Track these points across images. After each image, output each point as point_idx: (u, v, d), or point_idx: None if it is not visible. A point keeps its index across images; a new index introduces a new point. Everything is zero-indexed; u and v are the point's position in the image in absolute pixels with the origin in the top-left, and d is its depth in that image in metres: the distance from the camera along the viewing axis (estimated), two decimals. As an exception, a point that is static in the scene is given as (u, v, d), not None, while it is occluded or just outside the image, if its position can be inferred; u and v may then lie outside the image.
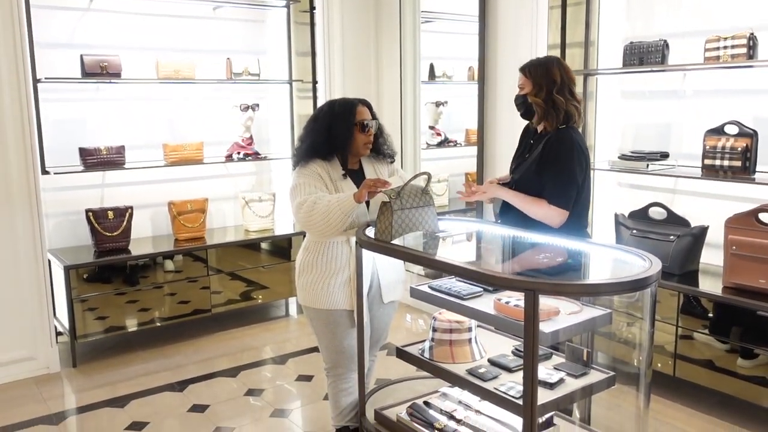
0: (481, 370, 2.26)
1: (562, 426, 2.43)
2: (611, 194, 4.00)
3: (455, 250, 2.79)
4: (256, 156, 4.81)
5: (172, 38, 4.59)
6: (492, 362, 2.35)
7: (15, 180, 3.75)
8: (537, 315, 1.88)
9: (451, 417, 2.43)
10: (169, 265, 4.32)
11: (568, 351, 2.37)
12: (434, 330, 2.45)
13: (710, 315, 3.21)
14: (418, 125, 5.13)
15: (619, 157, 3.75)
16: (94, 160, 4.16)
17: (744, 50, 3.17)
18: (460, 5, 4.98)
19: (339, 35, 4.95)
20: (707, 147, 3.34)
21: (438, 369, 2.37)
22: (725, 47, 3.23)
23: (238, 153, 4.74)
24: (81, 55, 4.11)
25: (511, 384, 2.14)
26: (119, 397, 3.59)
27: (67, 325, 3.97)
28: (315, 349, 3.97)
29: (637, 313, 2.37)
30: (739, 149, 3.22)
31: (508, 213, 2.78)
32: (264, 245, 4.74)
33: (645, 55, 3.57)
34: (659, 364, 3.35)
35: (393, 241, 2.37)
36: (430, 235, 2.55)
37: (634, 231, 3.52)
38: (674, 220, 3.45)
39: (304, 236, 2.78)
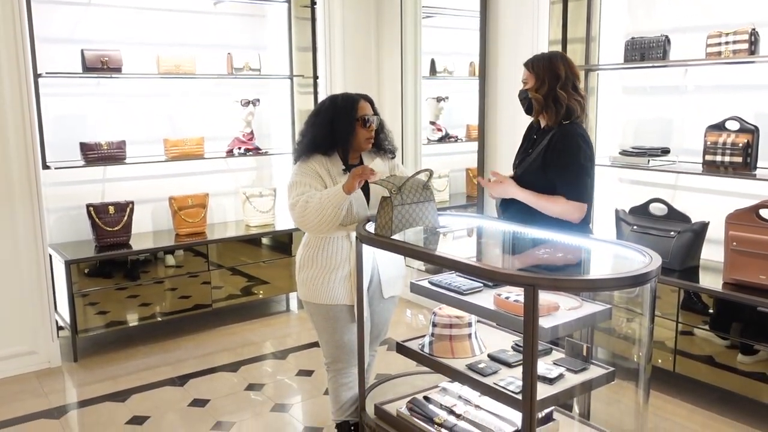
0: (481, 366, 2.26)
1: (562, 421, 2.43)
2: (612, 190, 4.00)
3: (455, 245, 2.78)
4: (256, 151, 4.81)
5: (173, 33, 4.59)
6: (492, 357, 2.35)
7: (16, 175, 3.75)
8: (537, 310, 1.88)
9: (451, 412, 2.44)
10: (170, 260, 4.32)
11: (568, 346, 2.37)
12: (434, 325, 2.45)
13: (710, 311, 3.21)
14: (419, 121, 5.13)
15: (619, 153, 3.75)
16: (95, 155, 4.16)
17: (746, 46, 3.16)
18: (461, 0, 4.97)
19: (340, 30, 4.94)
20: (708, 143, 3.34)
21: (438, 364, 2.37)
22: (727, 43, 3.22)
23: (239, 148, 4.74)
24: (82, 50, 4.11)
25: (511, 379, 2.15)
26: (120, 392, 3.60)
27: (68, 319, 3.98)
28: (315, 344, 3.98)
29: (637, 308, 2.37)
30: (740, 145, 3.21)
31: (509, 208, 2.77)
32: (265, 240, 4.75)
33: (646, 51, 3.56)
34: (659, 360, 3.35)
35: (393, 237, 2.37)
36: (430, 231, 2.55)
37: (635, 227, 3.52)
38: (675, 216, 3.45)
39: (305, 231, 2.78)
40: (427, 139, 5.37)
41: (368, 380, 2.88)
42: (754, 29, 3.16)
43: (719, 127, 3.32)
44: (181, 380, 3.75)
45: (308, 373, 3.83)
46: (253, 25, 4.98)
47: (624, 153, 3.72)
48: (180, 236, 4.48)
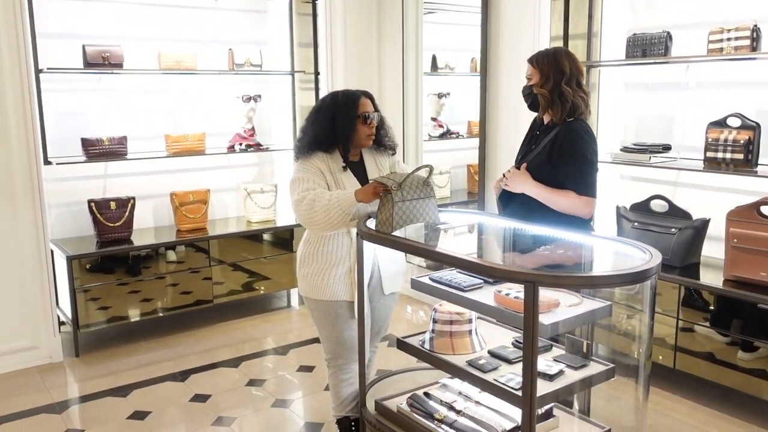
0: (481, 362, 2.27)
1: (562, 417, 2.44)
2: (613, 186, 4.00)
3: (456, 241, 2.78)
4: (258, 147, 4.81)
5: (174, 29, 4.59)
6: (492, 354, 2.35)
7: (17, 170, 3.76)
8: (537, 307, 1.88)
9: (451, 408, 2.44)
10: (171, 255, 4.33)
11: (568, 343, 2.37)
12: (435, 321, 2.45)
13: (711, 307, 3.22)
14: (421, 117, 5.12)
15: (621, 150, 3.74)
16: (96, 150, 4.16)
17: (747, 42, 3.16)
18: (462, -4, 4.97)
19: (341, 26, 4.94)
20: (709, 139, 3.33)
21: (438, 360, 2.38)
22: (728, 39, 3.22)
23: (240, 144, 4.74)
24: (83, 46, 4.11)
25: (511, 375, 2.15)
26: (121, 387, 3.61)
27: (69, 314, 3.99)
28: (316, 340, 3.98)
29: (637, 305, 2.38)
30: (742, 142, 3.21)
31: (510, 204, 2.77)
32: (266, 236, 4.75)
33: (648, 47, 3.56)
34: (660, 357, 3.36)
35: (394, 233, 2.37)
36: (431, 227, 2.55)
37: (636, 223, 3.52)
38: (676, 212, 3.45)
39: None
40: (429, 135, 5.37)
41: (369, 376, 2.88)
42: (755, 26, 3.16)
43: (720, 123, 3.32)
44: (183, 375, 3.76)
45: (309, 368, 3.84)
46: (255, 20, 4.98)
47: (625, 149, 3.71)
48: (181, 232, 4.48)
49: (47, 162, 3.97)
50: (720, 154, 3.29)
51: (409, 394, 2.60)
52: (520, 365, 2.02)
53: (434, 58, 5.31)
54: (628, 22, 3.89)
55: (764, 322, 2.99)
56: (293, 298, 5.02)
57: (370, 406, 2.65)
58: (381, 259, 2.71)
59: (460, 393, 2.53)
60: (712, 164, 3.33)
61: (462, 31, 5.34)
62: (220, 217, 4.92)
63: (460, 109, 5.51)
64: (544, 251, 2.43)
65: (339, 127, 2.62)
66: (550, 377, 2.16)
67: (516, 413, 2.19)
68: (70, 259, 3.92)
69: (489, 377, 2.18)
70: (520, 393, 2.00)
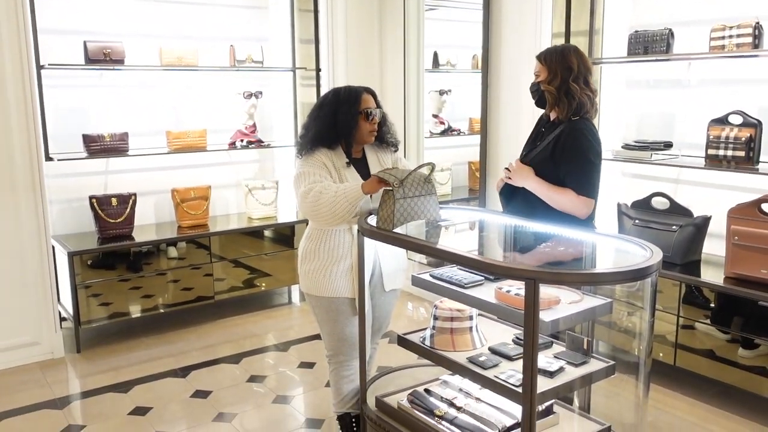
0: (482, 359, 2.27)
1: (562, 414, 2.44)
2: (614, 183, 3.99)
3: (457, 238, 2.78)
4: (259, 143, 4.81)
5: (176, 25, 4.58)
6: (492, 350, 2.35)
7: (19, 166, 3.76)
8: (537, 304, 1.88)
9: (452, 404, 2.45)
10: (173, 252, 4.33)
11: (569, 340, 2.38)
12: (435, 318, 2.46)
13: (712, 305, 3.22)
14: (422, 114, 5.12)
15: (622, 147, 3.74)
16: (98, 146, 4.17)
17: (749, 39, 3.15)
18: (464, -7, 4.96)
19: (342, 22, 4.93)
20: (711, 137, 3.33)
21: (439, 357, 2.38)
22: (730, 36, 3.21)
23: (241, 140, 4.74)
24: (84, 42, 4.11)
25: (512, 372, 2.15)
26: (123, 383, 3.62)
27: (71, 310, 4.00)
28: (317, 337, 3.99)
29: (638, 302, 2.38)
30: (743, 139, 3.20)
31: (512, 200, 2.77)
32: (267, 233, 4.75)
33: (650, 44, 3.55)
34: (660, 354, 3.36)
35: (395, 230, 2.38)
36: (432, 224, 2.55)
37: (637, 221, 3.52)
38: (677, 210, 3.45)
39: (307, 224, 2.79)
40: (430, 132, 5.36)
41: (369, 373, 2.89)
42: (758, 23, 3.15)
43: (722, 121, 3.31)
44: (184, 372, 3.76)
45: (310, 365, 3.85)
46: (256, 16, 4.97)
47: (627, 147, 3.71)
48: (182, 228, 4.49)
49: (48, 158, 3.97)
50: (721, 152, 3.28)
51: (409, 391, 2.60)
52: (520, 362, 2.02)
53: (436, 55, 5.30)
54: (630, 19, 3.88)
55: (765, 320, 2.99)
56: (294, 295, 5.02)
57: (371, 402, 2.66)
58: (382, 255, 2.71)
59: (460, 390, 2.53)
60: (714, 161, 3.33)
61: (463, 27, 5.33)
62: (221, 214, 4.92)
63: (462, 106, 5.50)
64: (545, 248, 2.43)
65: (341, 123, 2.62)
66: (551, 374, 2.16)
67: (516, 410, 2.20)
68: (71, 255, 3.92)
69: (489, 374, 2.18)
70: (520, 390, 2.00)
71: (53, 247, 4.02)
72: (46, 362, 3.91)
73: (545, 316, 2.01)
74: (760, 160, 3.24)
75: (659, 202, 3.53)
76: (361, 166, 2.72)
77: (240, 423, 3.19)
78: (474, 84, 4.57)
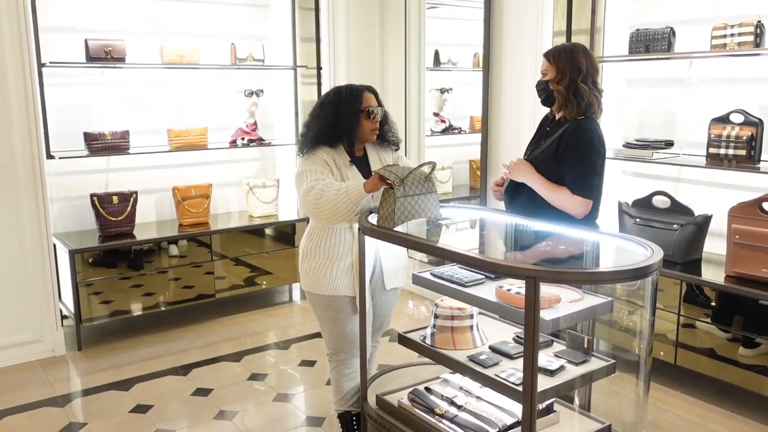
0: (482, 357, 2.27)
1: (562, 413, 2.44)
2: (615, 182, 3.99)
3: (458, 237, 2.79)
4: (260, 142, 4.81)
5: (177, 23, 4.58)
6: (493, 349, 2.36)
7: (20, 164, 3.76)
8: (538, 302, 1.88)
9: (452, 403, 2.45)
10: (174, 250, 4.34)
11: (569, 338, 2.38)
12: (436, 317, 2.46)
13: (712, 304, 3.22)
14: (423, 112, 5.12)
15: (623, 145, 3.74)
16: (99, 144, 4.17)
17: (751, 38, 3.15)
18: (465, -9, 4.96)
19: (344, 21, 4.93)
20: (712, 135, 3.33)
21: (439, 355, 2.38)
22: (732, 35, 3.21)
23: (242, 139, 4.75)
24: (85, 40, 4.11)
25: (512, 371, 2.15)
26: (124, 380, 3.63)
27: (72, 308, 4.00)
28: (318, 335, 3.99)
29: (638, 301, 2.38)
30: (744, 138, 3.20)
31: (515, 199, 2.76)
32: (268, 231, 4.76)
33: (651, 43, 3.55)
34: (661, 352, 3.36)
35: (396, 228, 2.38)
36: (432, 222, 2.55)
37: (638, 219, 3.52)
38: (678, 208, 3.45)
39: (308, 222, 2.79)
40: (431, 130, 5.36)
41: (370, 371, 2.89)
42: (759, 21, 3.15)
43: (723, 119, 3.31)
44: (185, 369, 3.77)
45: (311, 363, 3.85)
46: (257, 15, 4.97)
47: (628, 145, 3.71)
48: (183, 226, 4.49)
49: (50, 156, 3.98)
50: (722, 151, 3.28)
51: (410, 389, 2.61)
52: (521, 361, 2.03)
53: (437, 53, 5.30)
54: (631, 18, 3.88)
55: (765, 319, 2.99)
56: (295, 293, 5.03)
57: (372, 400, 2.66)
58: (383, 254, 2.71)
59: (461, 388, 2.54)
60: (715, 160, 3.33)
61: (465, 26, 5.33)
62: (222, 212, 4.93)
63: (463, 104, 5.50)
64: (546, 247, 2.43)
65: (343, 122, 2.62)
66: (551, 373, 2.16)
67: (517, 408, 2.20)
68: (72, 253, 3.93)
69: (490, 372, 2.18)
70: (520, 388, 2.00)
71: (54, 245, 4.02)
72: (48, 360, 3.91)
73: (546, 314, 2.01)
74: (761, 158, 3.24)
75: (660, 201, 3.52)
76: (362, 164, 2.72)
77: (241, 421, 3.20)
78: (475, 82, 4.57)
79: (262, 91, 4.78)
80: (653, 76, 3.90)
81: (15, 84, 3.69)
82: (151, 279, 4.23)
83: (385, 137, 2.79)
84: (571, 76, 2.59)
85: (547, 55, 2.68)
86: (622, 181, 4.01)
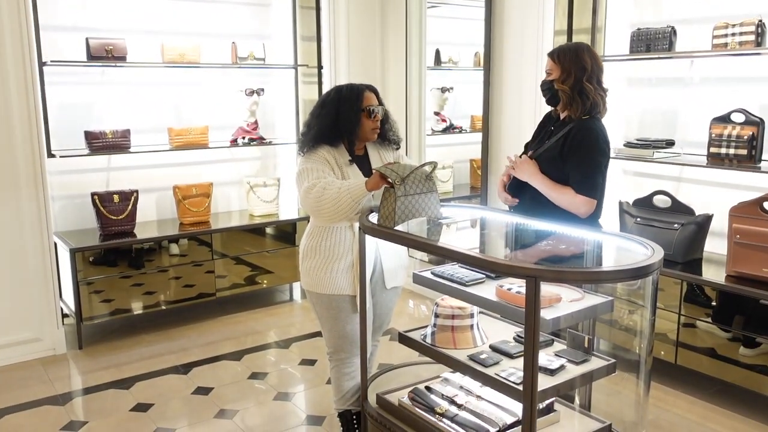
0: (483, 356, 2.27)
1: (563, 412, 2.44)
2: (616, 182, 3.99)
3: (458, 236, 2.79)
4: (261, 141, 4.81)
5: (178, 22, 4.58)
6: (493, 348, 2.36)
7: (21, 163, 3.77)
8: (538, 302, 1.88)
9: (452, 402, 2.45)
10: (174, 248, 4.34)
11: (570, 338, 2.38)
12: (436, 316, 2.46)
13: (713, 303, 3.22)
14: (424, 111, 5.12)
15: (624, 145, 3.74)
16: (100, 143, 4.17)
17: (752, 37, 3.15)
18: (466, -10, 4.96)
19: (344, 20, 4.93)
20: (713, 135, 3.32)
21: (440, 354, 2.38)
22: (733, 34, 3.20)
23: (243, 137, 4.75)
24: (86, 39, 4.11)
25: (512, 370, 2.15)
26: (124, 379, 3.63)
27: (73, 307, 4.01)
28: (318, 334, 3.99)
29: (639, 300, 2.37)
30: (745, 137, 3.20)
31: (519, 197, 2.75)
32: (268, 230, 4.76)
33: (652, 42, 3.55)
34: (662, 352, 3.36)
35: (396, 227, 2.38)
36: (433, 222, 2.55)
37: (638, 219, 3.52)
38: (679, 208, 3.45)
39: (309, 221, 2.79)
40: (432, 129, 5.36)
41: (370, 370, 2.89)
42: (761, 21, 3.14)
43: (724, 119, 3.31)
44: (185, 368, 3.77)
45: (311, 362, 3.85)
46: (258, 14, 4.97)
47: (628, 145, 3.71)
48: (184, 225, 4.49)
49: (51, 155, 3.97)
50: (723, 150, 3.28)
51: (410, 388, 2.61)
52: (521, 360, 2.03)
53: (438, 52, 5.30)
54: (632, 17, 3.87)
55: (766, 318, 2.99)
56: (296, 292, 5.03)
57: (372, 399, 2.66)
58: (383, 253, 2.71)
59: (461, 387, 2.54)
60: (716, 160, 3.33)
61: (466, 25, 5.33)
62: (222, 211, 4.93)
63: (464, 103, 5.50)
64: (546, 246, 2.43)
65: (343, 121, 2.62)
66: (552, 372, 2.16)
67: (517, 407, 2.20)
68: (73, 252, 3.93)
69: (490, 371, 2.18)
70: (521, 387, 2.00)
71: (55, 244, 4.02)
72: (48, 358, 3.92)
73: (546, 314, 2.01)
74: (762, 158, 3.23)
75: (661, 200, 3.52)
76: (363, 163, 2.72)
77: (241, 420, 3.20)
78: (476, 81, 4.57)
79: (262, 89, 4.78)
80: (654, 76, 3.90)
81: (16, 82, 3.69)
82: (151, 278, 4.23)
83: (386, 136, 2.79)
84: (576, 75, 2.58)
85: (552, 55, 2.67)
86: (622, 181, 4.01)
